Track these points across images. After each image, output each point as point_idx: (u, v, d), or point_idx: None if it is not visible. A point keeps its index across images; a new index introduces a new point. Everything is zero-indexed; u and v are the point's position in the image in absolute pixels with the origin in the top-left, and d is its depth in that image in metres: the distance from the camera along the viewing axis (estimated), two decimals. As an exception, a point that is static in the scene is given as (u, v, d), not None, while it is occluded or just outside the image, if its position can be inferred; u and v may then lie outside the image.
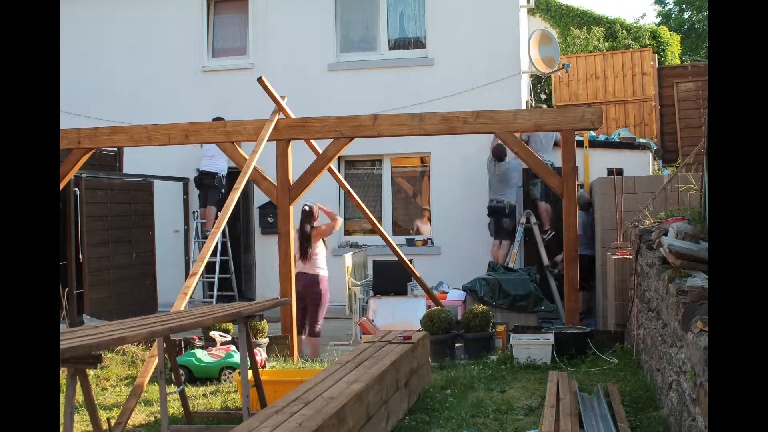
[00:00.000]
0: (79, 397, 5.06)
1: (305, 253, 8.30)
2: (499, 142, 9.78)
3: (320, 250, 8.45)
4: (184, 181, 11.98)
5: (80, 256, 9.32)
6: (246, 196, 11.99)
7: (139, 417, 5.91)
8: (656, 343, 5.25)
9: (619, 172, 9.47)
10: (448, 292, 9.62)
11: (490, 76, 11.27)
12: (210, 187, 11.42)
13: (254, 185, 9.67)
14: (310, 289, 8.35)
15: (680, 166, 9.79)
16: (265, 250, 11.72)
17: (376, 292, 9.28)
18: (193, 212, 11.97)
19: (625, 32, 16.62)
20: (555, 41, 12.47)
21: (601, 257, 9.45)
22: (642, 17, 43.23)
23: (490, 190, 10.76)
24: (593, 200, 10.06)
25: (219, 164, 11.31)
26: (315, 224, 8.43)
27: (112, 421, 5.05)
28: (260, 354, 7.22)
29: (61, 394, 4.48)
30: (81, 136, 8.47)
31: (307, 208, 8.39)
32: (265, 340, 7.76)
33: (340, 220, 8.59)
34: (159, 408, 5.47)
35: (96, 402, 5.03)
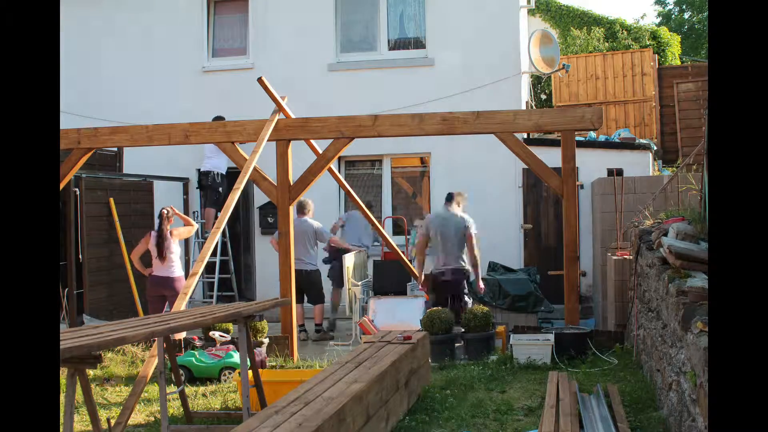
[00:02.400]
0: (79, 397, 5.06)
1: (162, 253, 8.23)
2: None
3: (176, 250, 8.43)
4: (184, 181, 11.98)
5: (80, 256, 9.32)
6: (246, 196, 11.98)
7: (139, 417, 5.91)
8: (656, 343, 5.25)
9: (619, 172, 9.48)
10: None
11: (490, 76, 11.27)
12: (206, 187, 11.43)
13: (254, 185, 9.67)
14: (168, 289, 8.24)
15: (680, 166, 9.79)
16: (265, 250, 11.71)
17: (376, 293, 9.28)
18: (193, 212, 11.96)
19: (625, 32, 16.62)
20: (555, 41, 12.47)
21: (600, 257, 9.46)
22: (642, 18, 43.22)
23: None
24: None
25: (213, 162, 11.29)
26: (172, 227, 8.43)
27: (112, 421, 5.05)
28: (260, 354, 7.22)
29: (61, 394, 4.48)
30: (81, 136, 8.47)
31: (165, 211, 8.38)
32: (265, 340, 7.76)
33: (196, 225, 8.85)
34: (159, 408, 5.47)
35: (96, 402, 5.03)
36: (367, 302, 9.32)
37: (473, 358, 7.37)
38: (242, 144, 8.63)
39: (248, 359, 5.47)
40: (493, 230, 11.17)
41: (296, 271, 8.59)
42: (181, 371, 6.43)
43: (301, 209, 9.57)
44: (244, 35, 12.44)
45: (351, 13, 12.17)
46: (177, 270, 8.35)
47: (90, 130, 8.62)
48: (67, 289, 9.03)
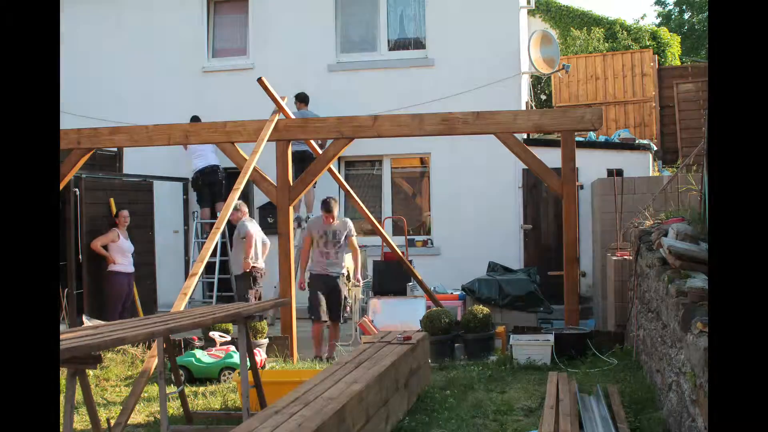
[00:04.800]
0: (79, 397, 5.06)
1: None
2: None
3: None
4: (184, 181, 11.98)
5: (80, 256, 9.31)
6: (246, 196, 11.98)
7: (139, 417, 5.91)
8: (656, 344, 5.25)
9: (619, 173, 9.48)
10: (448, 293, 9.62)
11: (490, 77, 11.27)
12: (215, 184, 11.53)
13: (254, 185, 9.68)
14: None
15: (680, 167, 9.80)
16: (264, 250, 11.71)
17: (376, 293, 9.27)
18: (193, 212, 11.97)
19: (625, 33, 16.63)
20: (555, 42, 12.48)
21: (600, 258, 9.46)
22: (642, 18, 43.25)
23: None
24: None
25: (211, 158, 11.40)
26: None
27: (112, 421, 5.05)
28: (260, 354, 7.22)
29: (61, 394, 4.47)
30: (81, 136, 8.47)
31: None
32: (265, 341, 7.76)
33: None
34: (159, 408, 5.47)
35: (96, 402, 5.03)
36: (367, 303, 9.31)
37: (473, 359, 7.37)
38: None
39: (248, 360, 5.46)
40: (493, 230, 11.19)
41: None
42: (181, 371, 6.42)
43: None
44: (244, 35, 12.44)
45: (351, 13, 12.18)
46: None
47: (90, 130, 8.62)
48: (67, 289, 9.02)
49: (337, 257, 8.60)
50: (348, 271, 9.43)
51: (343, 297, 8.60)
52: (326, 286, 8.47)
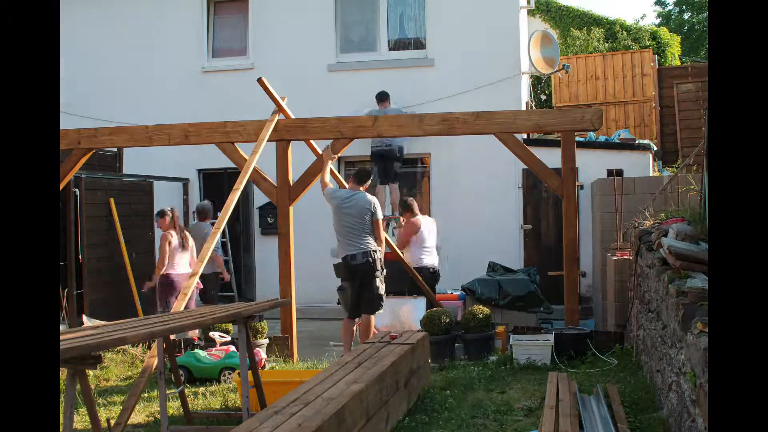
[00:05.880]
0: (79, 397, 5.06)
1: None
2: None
3: None
4: (184, 181, 11.98)
5: (80, 256, 9.32)
6: (246, 196, 11.99)
7: (139, 417, 5.91)
8: (656, 344, 5.25)
9: (619, 173, 9.47)
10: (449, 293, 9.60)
11: (490, 77, 11.27)
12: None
13: (254, 186, 9.67)
14: None
15: (680, 167, 9.79)
16: (265, 250, 11.72)
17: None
18: (193, 212, 11.96)
19: (625, 33, 16.63)
20: (555, 42, 12.48)
21: (600, 258, 9.46)
22: (642, 18, 43.30)
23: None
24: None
25: None
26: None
27: (112, 421, 5.05)
28: (260, 354, 7.22)
29: (61, 394, 4.47)
30: (81, 136, 8.47)
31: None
32: (265, 341, 7.76)
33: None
34: (159, 408, 5.47)
35: (96, 402, 5.02)
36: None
37: (473, 359, 7.37)
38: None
39: (248, 360, 5.46)
40: (493, 230, 11.19)
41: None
42: (181, 371, 6.43)
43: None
44: (244, 35, 12.44)
45: (351, 13, 12.18)
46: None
47: (90, 130, 8.63)
48: (67, 289, 9.03)
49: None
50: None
51: (373, 283, 7.48)
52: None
